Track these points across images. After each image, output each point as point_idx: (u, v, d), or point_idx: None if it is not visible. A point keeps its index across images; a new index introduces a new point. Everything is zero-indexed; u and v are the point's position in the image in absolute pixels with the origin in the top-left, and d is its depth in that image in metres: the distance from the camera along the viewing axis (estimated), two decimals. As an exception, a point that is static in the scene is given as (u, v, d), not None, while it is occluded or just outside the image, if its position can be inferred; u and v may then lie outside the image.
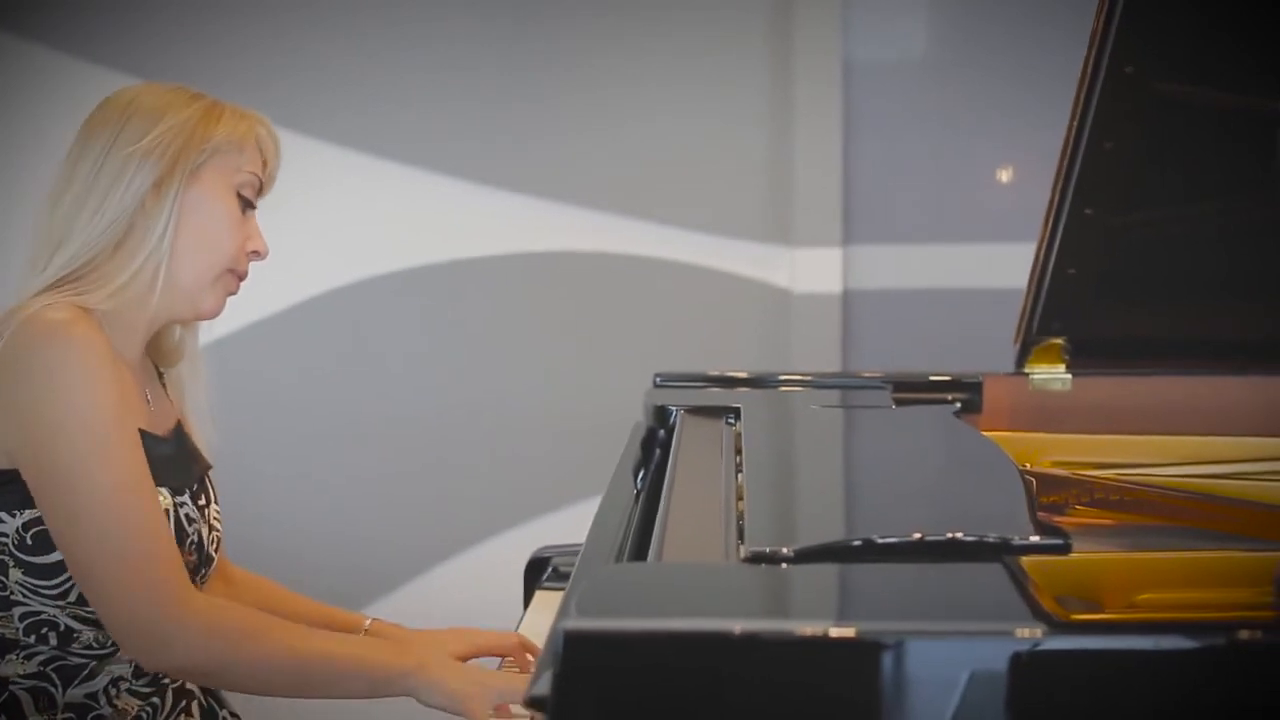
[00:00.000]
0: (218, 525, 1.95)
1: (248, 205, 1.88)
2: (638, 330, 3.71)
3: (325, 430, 3.73)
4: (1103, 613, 1.36)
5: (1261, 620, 1.14)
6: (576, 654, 1.07)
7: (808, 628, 1.09)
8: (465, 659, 1.84)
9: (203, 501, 1.91)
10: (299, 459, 3.70)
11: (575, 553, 2.27)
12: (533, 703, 1.11)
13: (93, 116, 1.85)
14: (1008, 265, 3.60)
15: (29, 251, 1.83)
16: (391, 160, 3.68)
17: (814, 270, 3.66)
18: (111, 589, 1.69)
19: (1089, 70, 1.94)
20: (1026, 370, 2.31)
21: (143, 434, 1.80)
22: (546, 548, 2.35)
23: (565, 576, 2.27)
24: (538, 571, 2.31)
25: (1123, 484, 1.94)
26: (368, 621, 2.01)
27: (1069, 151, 2.01)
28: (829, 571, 1.25)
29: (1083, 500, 1.92)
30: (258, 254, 1.90)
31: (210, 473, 1.96)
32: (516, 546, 3.54)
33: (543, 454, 3.73)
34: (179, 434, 1.94)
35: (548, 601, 2.18)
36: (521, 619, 2.15)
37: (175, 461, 1.88)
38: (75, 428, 1.70)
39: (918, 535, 1.27)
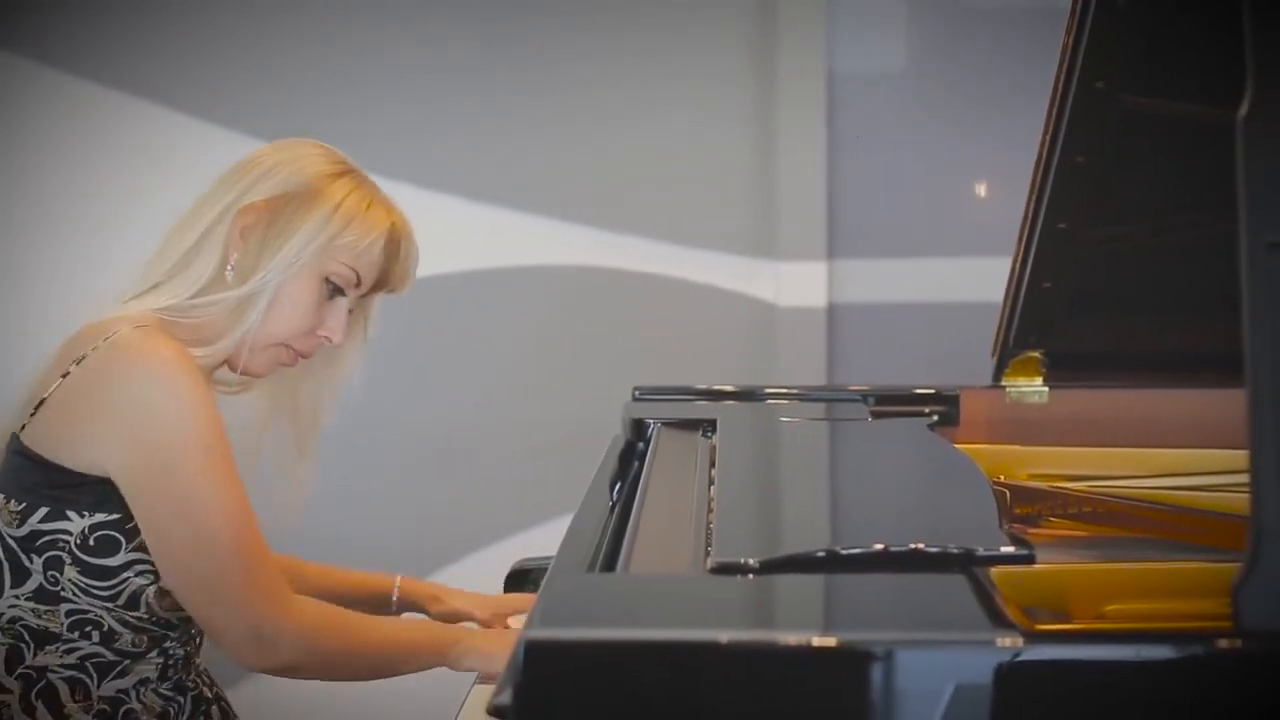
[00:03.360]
0: None
1: (336, 291, 1.91)
2: (621, 344, 3.71)
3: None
4: (1070, 623, 1.37)
5: (1222, 630, 1.15)
6: (538, 664, 1.07)
7: (770, 637, 1.10)
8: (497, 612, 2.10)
9: None
10: (276, 471, 3.70)
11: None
12: (496, 712, 1.11)
13: (234, 177, 1.89)
14: (993, 278, 3.59)
15: (142, 267, 1.89)
16: (370, 174, 3.68)
17: (798, 284, 3.67)
18: (225, 604, 1.77)
19: (1060, 85, 1.96)
20: (1004, 383, 2.32)
21: None
22: (527, 560, 2.36)
23: (545, 589, 2.27)
24: (518, 583, 2.32)
25: (1097, 496, 1.95)
26: (397, 579, 2.19)
27: (1042, 166, 2.02)
28: (794, 582, 1.25)
29: (1056, 512, 1.93)
30: (329, 339, 1.93)
31: None
32: (497, 559, 3.53)
33: (525, 467, 3.73)
34: None
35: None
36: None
37: None
38: (197, 449, 1.75)
39: (880, 546, 1.28)
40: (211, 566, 1.76)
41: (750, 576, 1.27)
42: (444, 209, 3.70)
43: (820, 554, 1.28)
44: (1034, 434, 2.28)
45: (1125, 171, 2.03)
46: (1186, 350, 2.21)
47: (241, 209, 1.85)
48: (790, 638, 1.09)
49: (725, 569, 1.28)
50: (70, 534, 1.79)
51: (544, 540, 3.57)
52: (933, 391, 2.31)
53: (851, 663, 1.08)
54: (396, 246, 1.95)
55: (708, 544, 1.41)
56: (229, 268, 1.85)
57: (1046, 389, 2.30)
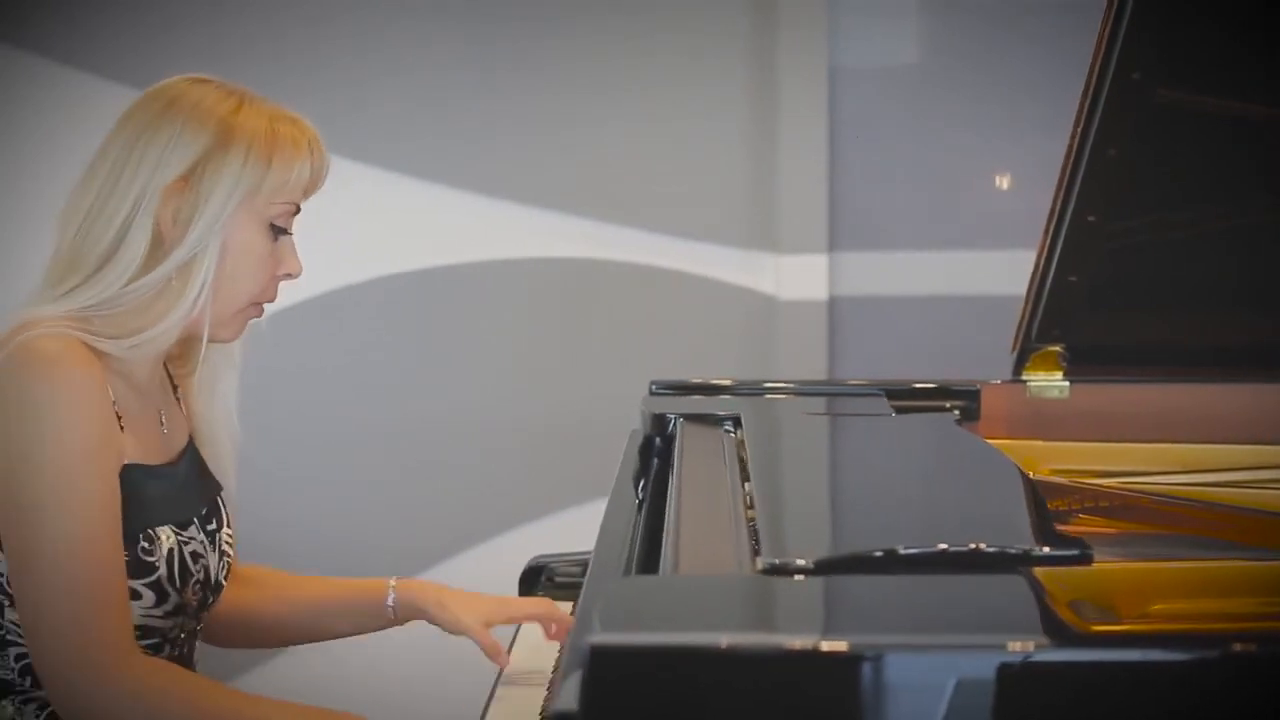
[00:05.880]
0: (229, 550, 1.88)
1: (281, 232, 1.78)
2: (622, 337, 3.69)
3: (312, 436, 3.70)
4: (1118, 623, 1.36)
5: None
6: (605, 669, 1.05)
7: (839, 643, 1.07)
8: (494, 624, 1.91)
9: (213, 526, 1.85)
10: (286, 464, 3.67)
11: (570, 562, 2.27)
12: (556, 718, 1.09)
13: (135, 154, 1.72)
14: (995, 272, 3.60)
15: (49, 264, 1.75)
16: (380, 168, 3.65)
17: (800, 277, 3.65)
18: (49, 638, 1.63)
19: (1094, 76, 1.93)
20: (1024, 377, 2.30)
21: (140, 468, 1.74)
22: (540, 556, 2.32)
23: (561, 586, 2.25)
24: (532, 581, 2.28)
25: (1124, 492, 1.93)
26: (392, 580, 1.98)
27: (1072, 157, 2.00)
28: (849, 583, 1.23)
29: (1085, 508, 1.91)
30: (290, 275, 1.81)
31: (222, 494, 1.89)
32: (501, 554, 3.52)
33: (527, 460, 3.70)
34: (190, 453, 1.86)
35: (544, 611, 2.15)
36: (518, 628, 2.12)
37: (183, 490, 1.82)
38: (44, 466, 1.62)
39: (943, 546, 1.25)
40: (39, 597, 1.62)
41: (802, 577, 1.24)
42: (445, 202, 3.68)
43: (878, 554, 1.26)
44: (1054, 429, 2.26)
45: (1157, 164, 2.01)
46: (1211, 344, 2.19)
47: (164, 194, 1.70)
48: (862, 641, 1.07)
49: (777, 570, 1.25)
50: (3, 574, 1.68)
51: (550, 532, 3.56)
52: (954, 386, 2.28)
53: (924, 666, 1.06)
54: (314, 158, 1.79)
55: (754, 543, 1.39)
56: (166, 250, 1.71)
57: (1067, 383, 2.28)
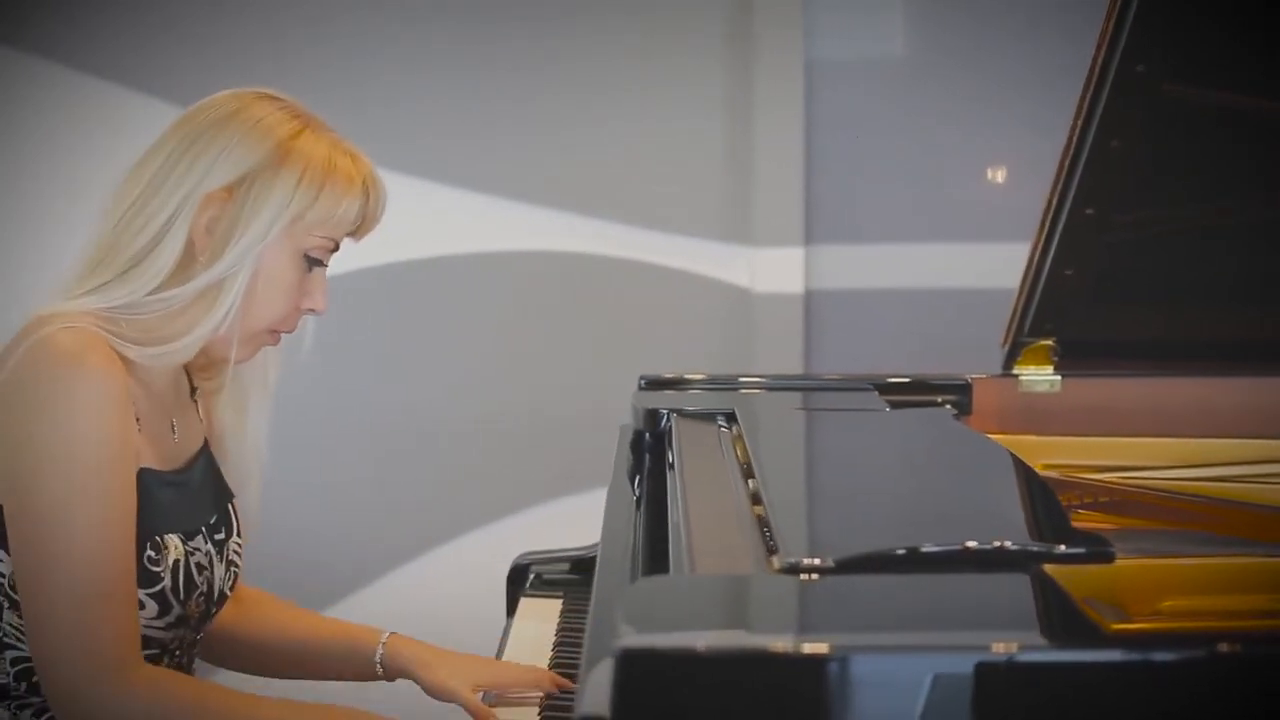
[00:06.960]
0: (237, 559, 1.83)
1: (316, 264, 1.74)
2: (596, 330, 3.67)
3: (297, 429, 3.66)
4: (1130, 620, 1.34)
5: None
6: (635, 672, 1.02)
7: (871, 643, 1.05)
8: (487, 690, 1.80)
9: (221, 535, 1.80)
10: (272, 456, 3.62)
11: (555, 560, 2.25)
12: (584, 722, 1.07)
13: (186, 157, 1.67)
14: (972, 265, 3.59)
15: (81, 253, 1.70)
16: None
17: (775, 270, 3.63)
18: (54, 641, 1.57)
19: (1097, 68, 1.91)
20: (1015, 371, 2.28)
21: (152, 473, 1.69)
22: (526, 554, 2.29)
23: (549, 584, 2.22)
24: (519, 579, 2.25)
25: (1122, 487, 1.92)
26: (385, 635, 1.90)
27: (1072, 150, 1.98)
28: (872, 583, 1.21)
29: (1085, 503, 1.89)
30: (313, 311, 1.77)
31: (233, 502, 1.84)
32: (484, 547, 3.50)
33: (507, 453, 3.67)
34: (203, 459, 1.81)
35: (533, 609, 2.13)
36: (508, 627, 2.10)
37: (192, 498, 1.77)
38: (64, 465, 1.57)
39: (969, 544, 1.23)
40: (51, 599, 1.57)
41: (823, 576, 1.22)
42: (427, 197, 3.64)
43: (900, 552, 1.24)
44: (1045, 423, 2.25)
45: (1158, 158, 2.00)
46: (1207, 339, 2.18)
47: (204, 200, 1.65)
48: (896, 642, 1.04)
49: (797, 569, 1.23)
50: (4, 576, 1.63)
51: (528, 527, 3.54)
52: (946, 380, 2.27)
53: (958, 667, 1.04)
54: (367, 199, 1.75)
55: (767, 541, 1.36)
56: (199, 262, 1.67)
57: (1059, 377, 2.27)
